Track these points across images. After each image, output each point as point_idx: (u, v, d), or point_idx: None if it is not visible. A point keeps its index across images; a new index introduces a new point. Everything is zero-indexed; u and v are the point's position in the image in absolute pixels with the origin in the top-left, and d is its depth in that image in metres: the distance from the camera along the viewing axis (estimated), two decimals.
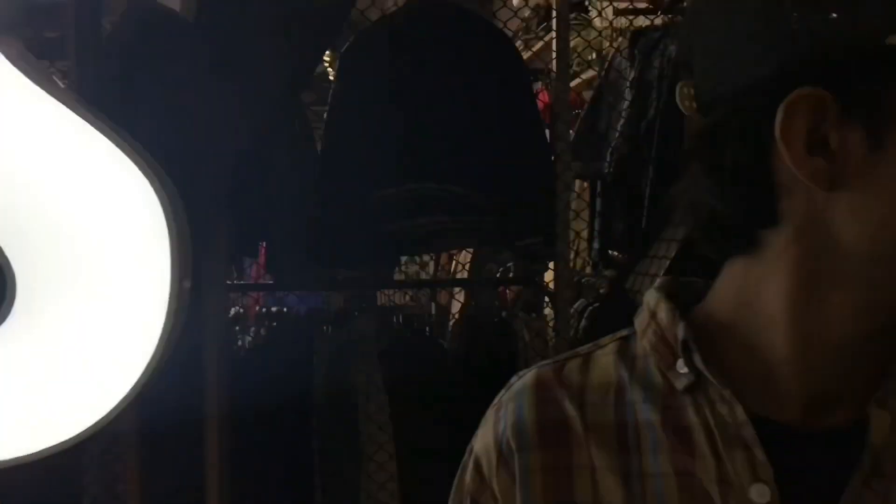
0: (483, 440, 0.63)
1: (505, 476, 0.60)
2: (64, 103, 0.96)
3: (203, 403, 1.40)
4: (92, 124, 1.00)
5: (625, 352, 0.61)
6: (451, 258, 3.04)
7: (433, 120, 2.01)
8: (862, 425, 0.53)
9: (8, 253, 0.92)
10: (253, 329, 2.30)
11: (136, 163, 0.95)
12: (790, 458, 0.53)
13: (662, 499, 0.55)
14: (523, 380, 0.64)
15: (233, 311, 2.34)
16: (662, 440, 0.56)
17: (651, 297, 0.61)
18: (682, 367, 0.56)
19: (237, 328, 2.28)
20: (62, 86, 1.10)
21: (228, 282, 2.19)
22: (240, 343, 2.25)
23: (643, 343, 0.60)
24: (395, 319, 2.34)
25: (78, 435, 1.06)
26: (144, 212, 1.00)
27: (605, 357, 0.61)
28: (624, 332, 0.63)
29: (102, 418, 1.05)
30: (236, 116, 1.18)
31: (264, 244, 2.18)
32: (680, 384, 0.56)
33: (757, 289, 0.55)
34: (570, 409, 0.60)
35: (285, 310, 2.36)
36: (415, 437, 2.18)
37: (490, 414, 0.64)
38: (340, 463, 2.15)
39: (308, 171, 2.10)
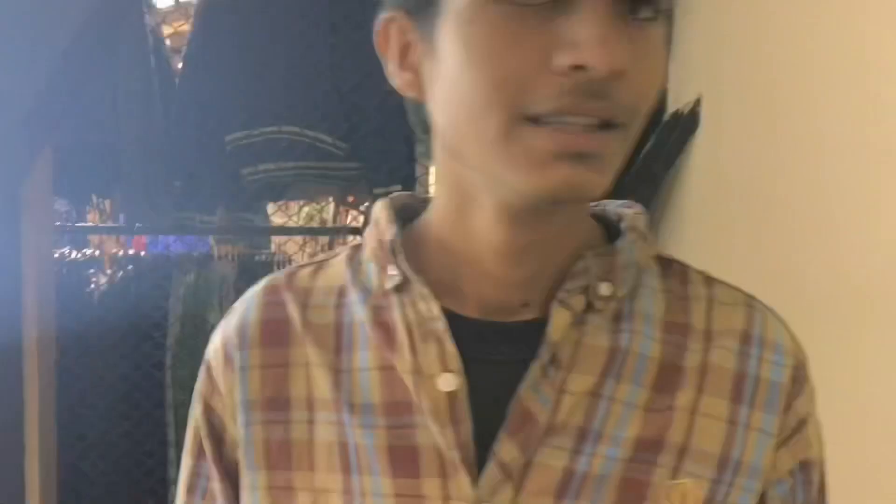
0: (213, 343, 0.65)
1: (229, 373, 0.63)
2: None
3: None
4: None
5: (353, 258, 0.64)
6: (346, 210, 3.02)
7: (291, 65, 2.01)
8: (545, 322, 0.57)
9: None
10: (110, 271, 2.27)
11: None
12: (480, 351, 0.58)
13: (367, 392, 0.59)
14: (256, 285, 0.67)
15: (87, 252, 2.30)
16: (370, 337, 0.60)
17: (377, 207, 0.65)
18: (392, 269, 0.60)
19: (91, 270, 2.24)
20: None
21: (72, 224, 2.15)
22: (93, 285, 2.22)
23: (367, 249, 0.64)
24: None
25: None
26: None
27: (336, 263, 0.65)
28: (358, 241, 0.67)
29: None
30: (36, 47, 1.16)
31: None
32: (389, 284, 0.60)
33: (440, 200, 0.61)
34: (293, 311, 0.63)
35: (142, 254, 2.33)
36: None
37: (223, 319, 0.67)
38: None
39: (164, 112, 2.08)
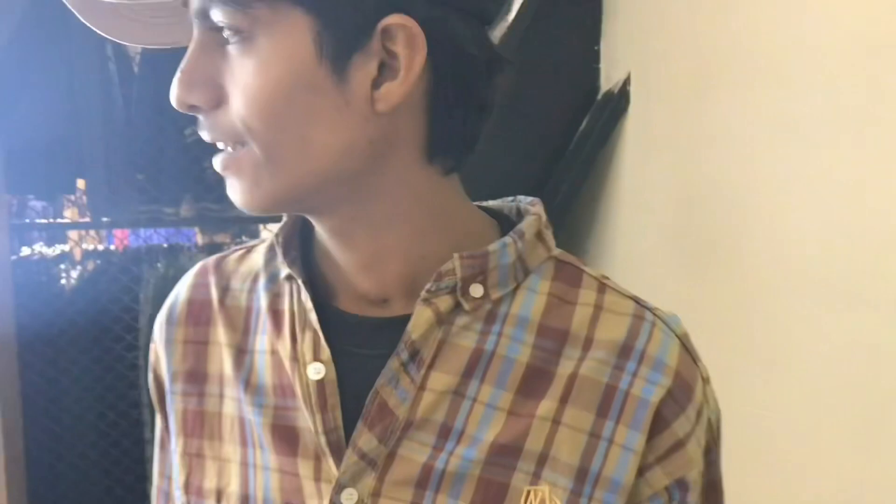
0: (158, 319, 0.70)
1: (162, 347, 0.68)
2: None
3: None
4: None
5: (272, 247, 0.67)
6: None
7: None
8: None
9: None
10: (80, 266, 2.26)
11: None
12: (353, 344, 0.60)
13: (260, 373, 0.63)
14: (193, 267, 0.71)
15: (59, 248, 2.30)
16: (266, 322, 0.63)
17: None
18: (281, 261, 0.64)
19: (62, 266, 2.24)
20: None
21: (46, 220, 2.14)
22: (63, 281, 2.22)
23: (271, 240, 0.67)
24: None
25: None
26: None
27: (259, 250, 0.68)
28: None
29: None
30: None
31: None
32: (283, 274, 0.64)
33: None
34: (214, 293, 0.67)
35: (112, 247, 2.33)
36: None
37: None
38: None
39: (124, 108, 2.07)
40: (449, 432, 0.58)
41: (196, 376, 0.66)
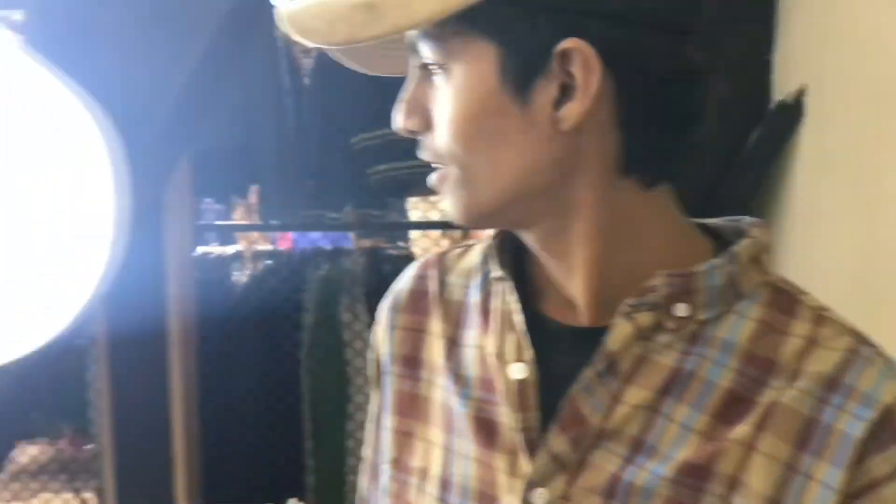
0: (383, 305, 0.77)
1: (384, 330, 0.75)
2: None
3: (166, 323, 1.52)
4: (40, 68, 1.11)
5: (488, 248, 0.71)
6: None
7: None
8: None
9: None
10: (250, 266, 2.40)
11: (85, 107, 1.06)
12: (550, 347, 0.63)
13: (468, 365, 0.67)
14: (418, 260, 0.78)
15: (233, 249, 2.45)
16: (476, 318, 0.68)
17: None
18: (493, 264, 0.68)
19: (233, 265, 2.38)
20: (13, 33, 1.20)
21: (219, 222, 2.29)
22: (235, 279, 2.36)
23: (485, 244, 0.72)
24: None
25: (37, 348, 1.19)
26: (88, 142, 1.12)
27: (477, 250, 0.73)
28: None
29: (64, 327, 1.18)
30: (174, 55, 1.27)
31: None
32: (495, 274, 0.68)
33: None
34: (434, 286, 0.73)
35: (279, 249, 2.46)
36: None
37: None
38: (326, 389, 2.23)
39: (296, 116, 2.19)
40: (640, 447, 0.58)
41: (412, 361, 0.72)
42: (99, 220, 1.13)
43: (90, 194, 1.13)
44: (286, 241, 2.80)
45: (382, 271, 2.39)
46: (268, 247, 2.47)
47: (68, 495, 2.91)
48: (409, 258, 2.45)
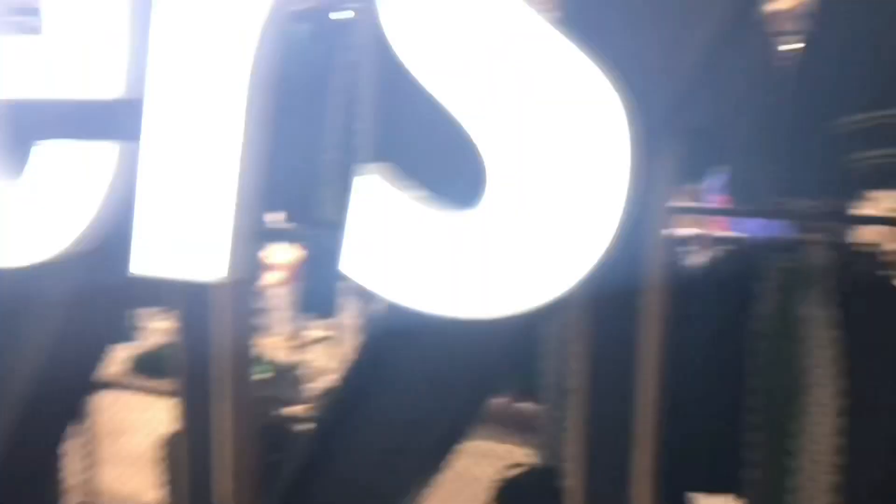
0: None
1: None
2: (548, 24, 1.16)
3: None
4: (571, 45, 1.19)
5: None
6: None
7: None
8: None
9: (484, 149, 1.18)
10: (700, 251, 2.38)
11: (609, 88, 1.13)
12: None
13: None
14: None
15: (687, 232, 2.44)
16: None
17: None
18: None
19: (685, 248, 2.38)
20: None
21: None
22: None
23: None
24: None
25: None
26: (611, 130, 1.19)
27: None
28: None
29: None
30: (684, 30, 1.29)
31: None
32: None
33: None
34: None
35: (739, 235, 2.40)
36: (864, 388, 2.07)
37: None
38: (777, 395, 2.13)
39: (769, 98, 2.09)
40: None
41: None
42: (613, 187, 1.19)
43: (607, 165, 1.19)
44: (718, 226, 2.71)
45: (849, 267, 2.20)
46: (720, 233, 2.42)
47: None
48: (875, 255, 2.23)
